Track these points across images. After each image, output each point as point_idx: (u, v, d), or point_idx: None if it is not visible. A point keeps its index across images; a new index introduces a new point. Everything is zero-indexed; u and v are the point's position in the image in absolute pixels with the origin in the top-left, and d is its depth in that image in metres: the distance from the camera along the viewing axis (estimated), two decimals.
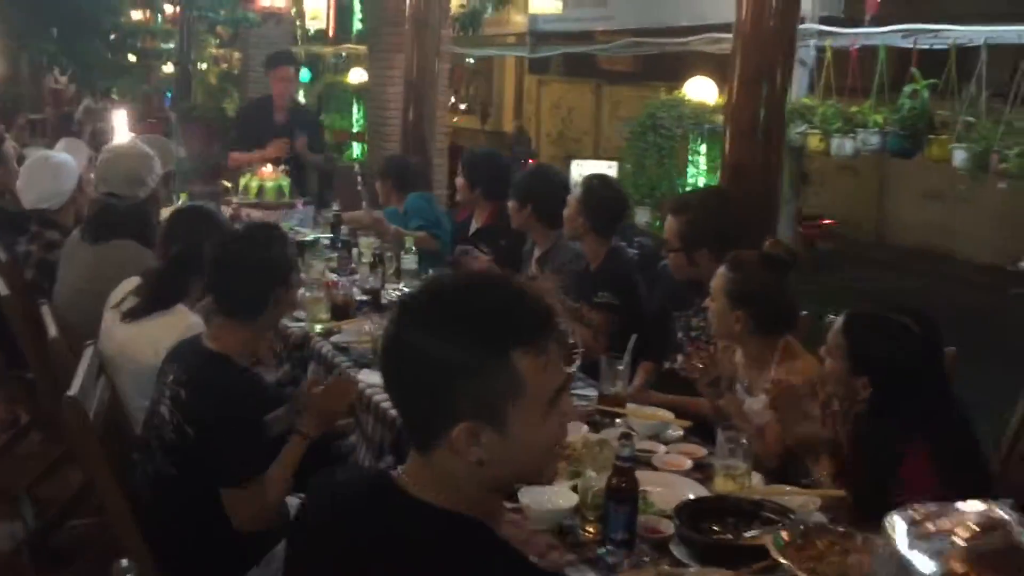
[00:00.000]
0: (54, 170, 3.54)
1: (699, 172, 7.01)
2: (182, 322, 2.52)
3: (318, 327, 3.30)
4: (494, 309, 1.25)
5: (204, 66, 12.81)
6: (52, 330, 2.51)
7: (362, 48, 13.34)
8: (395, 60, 7.26)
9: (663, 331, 3.12)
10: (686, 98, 6.88)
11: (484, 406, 1.22)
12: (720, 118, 6.72)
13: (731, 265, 2.59)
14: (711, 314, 2.63)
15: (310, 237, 4.57)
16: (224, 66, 15.78)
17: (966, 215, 8.87)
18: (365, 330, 3.11)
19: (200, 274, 2.70)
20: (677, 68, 9.69)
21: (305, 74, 13.18)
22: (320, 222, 5.14)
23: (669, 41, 7.90)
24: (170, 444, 2.11)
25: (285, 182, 5.23)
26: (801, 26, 6.49)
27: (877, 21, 6.31)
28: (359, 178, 7.50)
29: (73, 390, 2.05)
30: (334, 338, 3.16)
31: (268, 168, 5.23)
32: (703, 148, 6.97)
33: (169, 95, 11.52)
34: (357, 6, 13.99)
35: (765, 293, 2.54)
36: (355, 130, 12.01)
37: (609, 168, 8.84)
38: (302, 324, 3.35)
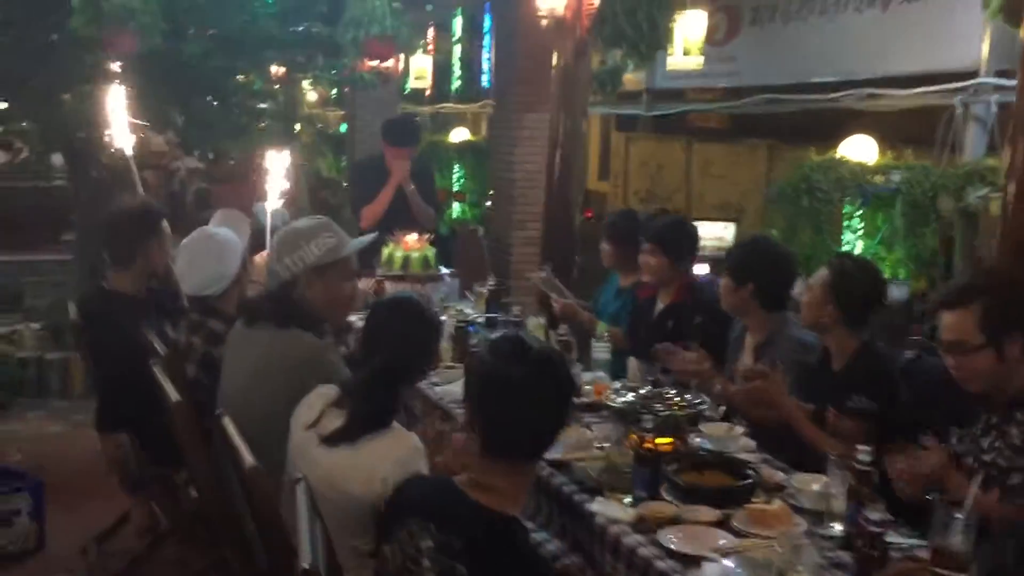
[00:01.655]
0: (218, 251, 3.16)
1: (856, 238, 6.42)
2: (402, 445, 2.07)
3: None
4: None
5: (298, 126, 12.68)
6: (247, 456, 2.06)
7: (463, 107, 13.15)
8: (524, 119, 6.89)
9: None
10: (843, 159, 6.32)
11: None
12: (879, 179, 6.21)
13: None
14: None
15: (475, 317, 4.11)
16: (319, 126, 15.74)
17: None
18: (588, 438, 2.62)
19: (413, 381, 2.27)
20: (779, 126, 9.19)
21: None
22: (471, 296, 4.72)
23: (813, 98, 7.37)
24: None
25: (431, 252, 4.83)
26: (975, 80, 5.98)
27: None
28: (483, 243, 7.11)
29: (304, 558, 1.57)
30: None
31: (413, 237, 4.83)
32: (859, 213, 6.38)
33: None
34: (456, 65, 13.81)
35: None
36: (455, 189, 11.72)
37: (726, 229, 8.31)
38: None
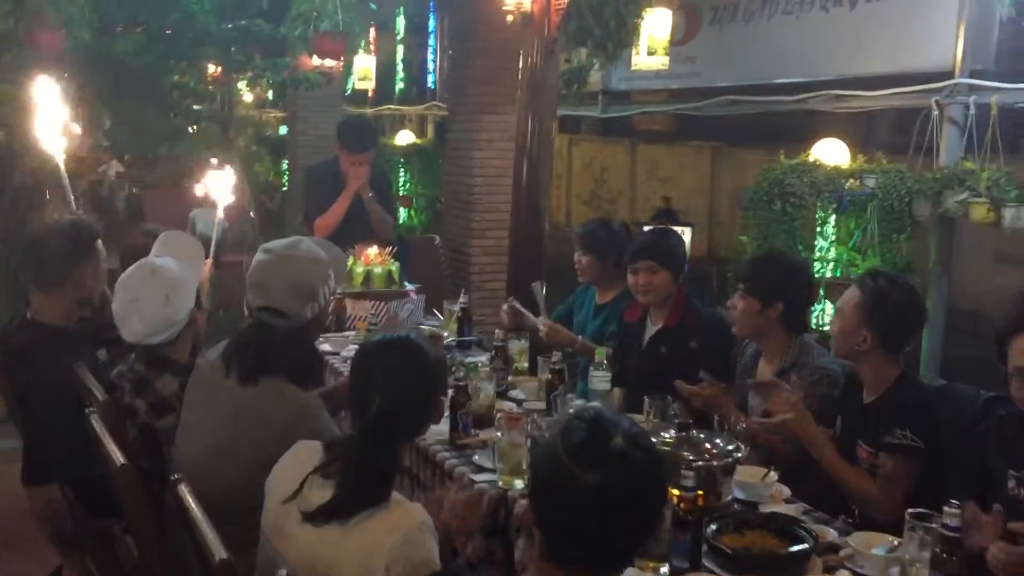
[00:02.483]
0: (166, 291, 2.61)
1: (828, 245, 6.20)
2: (406, 522, 1.69)
3: (519, 484, 2.45)
4: None
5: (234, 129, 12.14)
6: (215, 546, 1.65)
7: (408, 109, 12.73)
8: (482, 121, 6.54)
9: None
10: (817, 162, 6.09)
11: None
12: (852, 183, 5.99)
13: None
14: None
15: (448, 340, 3.73)
16: (253, 129, 15.14)
17: None
18: None
19: (413, 436, 1.90)
20: (724, 128, 8.97)
21: None
22: (438, 314, 4.34)
23: (777, 100, 7.15)
24: None
25: (394, 266, 4.45)
26: (951, 81, 5.79)
27: None
28: (440, 253, 6.72)
29: None
30: None
31: (373, 251, 4.44)
32: (832, 219, 6.16)
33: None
34: (400, 66, 13.40)
35: None
36: (400, 193, 11.32)
37: (683, 233, 8.04)
38: (492, 479, 2.51)
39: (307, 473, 1.76)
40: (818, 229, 6.22)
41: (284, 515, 1.76)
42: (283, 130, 14.37)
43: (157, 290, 2.61)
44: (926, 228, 5.81)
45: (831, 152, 6.26)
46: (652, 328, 3.44)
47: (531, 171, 5.03)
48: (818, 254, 6.18)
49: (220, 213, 4.05)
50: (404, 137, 11.84)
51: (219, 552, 1.59)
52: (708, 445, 2.22)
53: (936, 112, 5.77)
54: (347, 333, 4.15)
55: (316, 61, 9.48)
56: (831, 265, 6.16)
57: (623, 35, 5.73)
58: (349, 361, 3.65)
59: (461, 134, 6.75)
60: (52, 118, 3.59)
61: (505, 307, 3.79)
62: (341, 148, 4.90)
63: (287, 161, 12.54)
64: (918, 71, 6.05)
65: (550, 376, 3.01)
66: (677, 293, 3.39)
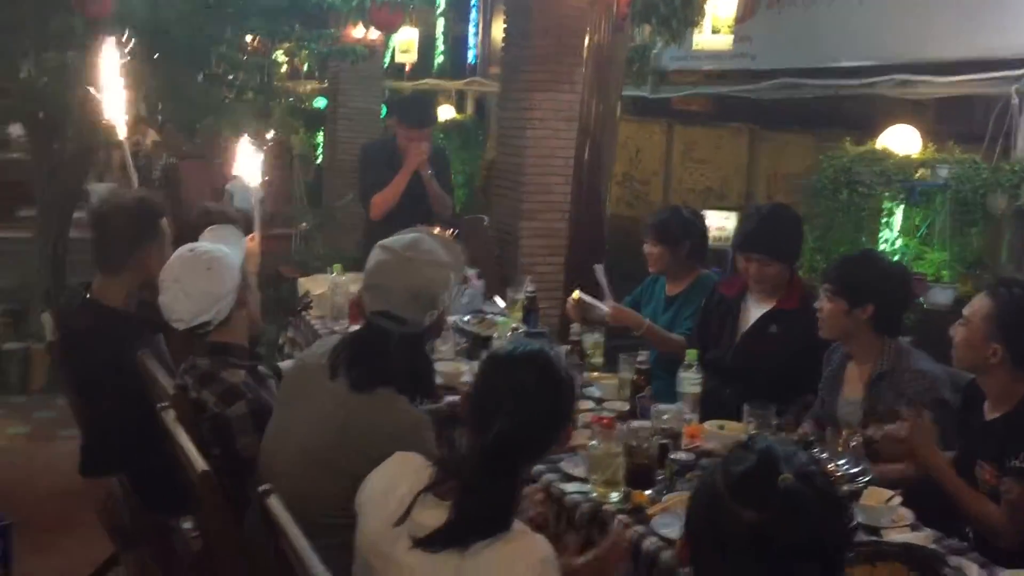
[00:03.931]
0: (207, 264, 2.43)
1: (894, 237, 5.96)
2: (527, 555, 1.53)
3: (615, 496, 2.28)
4: None
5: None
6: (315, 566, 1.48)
7: (448, 84, 12.51)
8: (534, 100, 6.33)
9: None
10: (887, 151, 5.84)
11: None
12: (922, 173, 5.75)
13: None
14: None
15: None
16: (291, 99, 14.98)
17: None
18: None
19: (535, 461, 1.74)
20: (767, 111, 8.71)
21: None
22: (499, 301, 4.17)
23: (840, 83, 6.89)
24: None
25: None
26: None
27: None
28: (489, 234, 6.54)
29: None
30: (662, 529, 2.12)
31: (435, 232, 4.25)
32: (900, 210, 5.91)
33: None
34: (440, 40, 13.16)
35: None
36: None
37: (727, 219, 7.79)
38: (584, 490, 2.34)
39: (416, 492, 1.60)
40: (883, 220, 5.98)
41: (391, 539, 1.60)
42: (318, 102, 14.22)
43: (198, 265, 2.45)
44: (1000, 222, 5.57)
45: (900, 140, 6.01)
46: (760, 306, 3.26)
47: (594, 153, 4.85)
48: (883, 246, 5.95)
49: (257, 187, 3.91)
50: (443, 112, 11.64)
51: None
52: (832, 467, 2.04)
53: (1016, 101, 5.51)
54: None
55: (359, 33, 9.32)
56: (896, 258, 5.93)
57: (688, 13, 5.53)
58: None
59: (513, 112, 6.54)
60: (113, 85, 3.43)
61: (571, 299, 3.60)
62: (399, 123, 4.72)
63: (323, 134, 12.39)
64: (995, 57, 5.79)
65: (635, 376, 2.83)
66: (793, 276, 3.24)
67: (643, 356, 2.89)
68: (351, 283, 4.06)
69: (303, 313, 4.10)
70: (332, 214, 8.01)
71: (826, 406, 2.92)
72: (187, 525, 3.19)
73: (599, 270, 3.72)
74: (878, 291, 2.74)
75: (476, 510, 1.54)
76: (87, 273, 3.34)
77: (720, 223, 7.53)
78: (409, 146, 4.60)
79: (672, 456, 2.28)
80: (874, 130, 6.47)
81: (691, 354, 2.86)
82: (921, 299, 5.54)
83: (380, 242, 2.27)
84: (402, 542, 1.58)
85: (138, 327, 2.87)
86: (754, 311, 3.27)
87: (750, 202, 10.14)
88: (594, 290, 3.72)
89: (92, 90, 3.59)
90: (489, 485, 1.56)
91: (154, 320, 2.95)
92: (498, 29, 11.90)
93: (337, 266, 4.04)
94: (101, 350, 2.75)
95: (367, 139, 9.91)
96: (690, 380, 2.81)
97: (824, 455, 2.10)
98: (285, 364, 3.44)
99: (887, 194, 5.83)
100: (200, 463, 1.93)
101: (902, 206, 5.89)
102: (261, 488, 1.79)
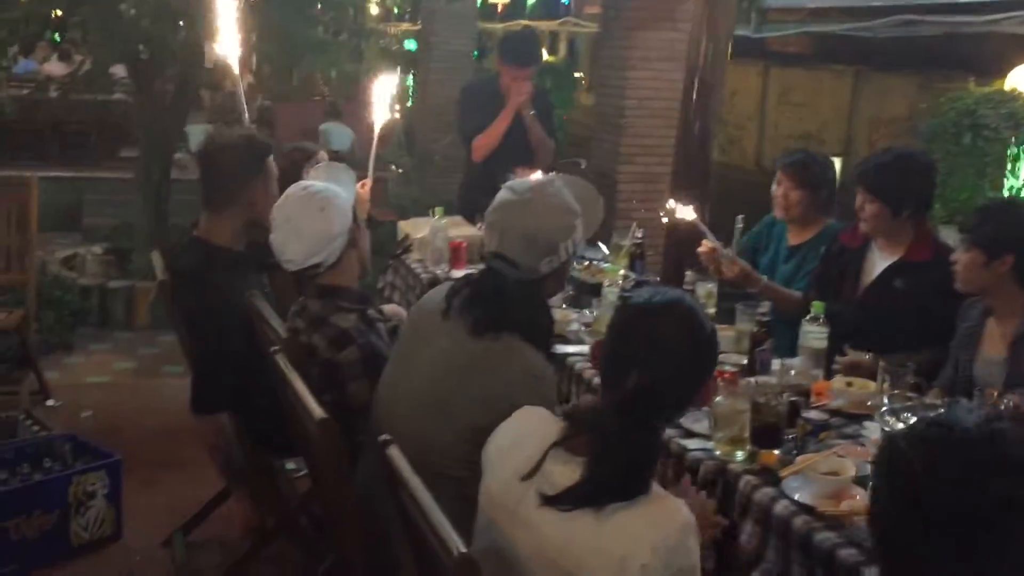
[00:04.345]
0: (321, 204, 2.35)
1: (1020, 185, 5.61)
2: (668, 521, 1.43)
3: (740, 455, 2.16)
4: None
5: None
6: (448, 533, 1.41)
7: (540, 24, 12.27)
8: (636, 39, 6.12)
9: None
10: (1015, 92, 5.49)
11: None
12: None
13: None
14: None
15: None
16: (382, 42, 14.90)
17: None
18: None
19: (674, 419, 1.63)
20: (867, 52, 8.22)
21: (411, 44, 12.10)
22: (602, 247, 4.04)
23: (960, 20, 6.47)
24: None
25: None
26: None
27: None
28: (588, 178, 6.38)
29: None
30: (795, 493, 1.99)
31: (537, 175, 4.13)
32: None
33: None
34: None
35: None
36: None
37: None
38: (707, 447, 2.22)
39: (548, 445, 1.51)
40: (1009, 167, 5.64)
41: (518, 495, 1.52)
42: (409, 44, 14.11)
43: (311, 204, 2.36)
44: None
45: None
46: (886, 257, 3.07)
47: (703, 95, 4.64)
48: (1007, 193, 5.62)
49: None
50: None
51: (453, 542, 1.35)
52: None
53: None
54: None
55: None
56: None
57: None
58: None
59: (613, 51, 6.35)
60: (226, 24, 3.39)
61: (705, 246, 3.38)
62: (502, 63, 4.58)
63: (413, 77, 12.29)
64: None
65: (756, 328, 2.68)
66: (919, 228, 3.03)
67: (764, 307, 2.74)
68: (451, 227, 3.99)
69: (403, 257, 4.05)
70: (429, 157, 7.93)
71: (961, 366, 2.73)
72: (290, 466, 3.21)
73: (738, 222, 3.49)
74: (1019, 241, 2.53)
75: (612, 468, 1.44)
76: (188, 213, 3.34)
77: None
78: (511, 86, 4.46)
79: (805, 415, 2.14)
80: (991, 71, 6.07)
81: (817, 306, 2.69)
82: None
83: (506, 183, 2.16)
84: (531, 499, 1.49)
85: (245, 266, 2.84)
86: (879, 264, 3.07)
87: (851, 148, 9.74)
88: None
89: (200, 32, 3.56)
90: (626, 441, 1.46)
91: (262, 260, 2.92)
92: None
93: (439, 209, 3.96)
94: (209, 289, 2.73)
95: (460, 81, 9.80)
96: (815, 334, 2.65)
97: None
98: (387, 307, 3.40)
99: (1014, 139, 5.50)
100: (318, 410, 1.88)
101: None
102: (382, 438, 1.72)
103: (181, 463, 3.64)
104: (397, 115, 9.54)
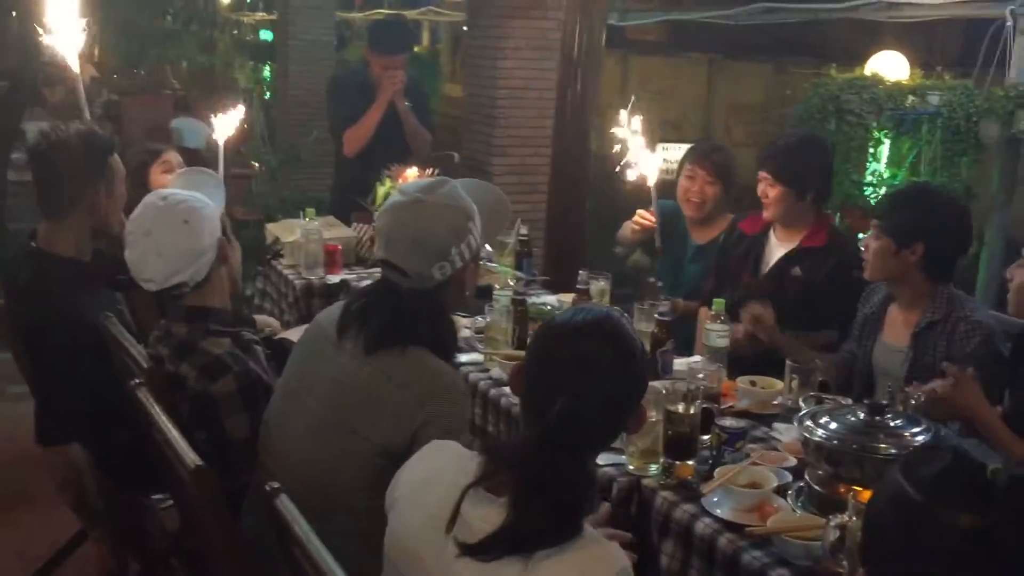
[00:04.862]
0: (184, 216, 2.07)
1: (881, 169, 5.75)
2: (607, 566, 1.27)
3: (654, 469, 2.03)
4: None
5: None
6: None
7: (404, 13, 11.98)
8: (506, 28, 5.96)
9: None
10: (877, 77, 5.60)
11: None
12: (912, 101, 5.53)
13: None
14: None
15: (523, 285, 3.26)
16: (235, 32, 14.30)
17: None
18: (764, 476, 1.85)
19: (601, 449, 1.48)
20: (725, 40, 8.38)
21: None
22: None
23: (823, 8, 6.60)
24: None
25: None
26: None
27: None
28: (461, 172, 6.20)
29: None
30: (716, 509, 1.88)
31: (413, 172, 3.93)
32: (887, 140, 5.70)
33: None
34: None
35: None
36: None
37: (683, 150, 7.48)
38: (619, 462, 2.08)
39: (464, 485, 1.33)
40: (871, 150, 5.77)
41: (432, 542, 1.33)
42: (264, 34, 13.58)
43: (173, 216, 2.09)
44: (990, 150, 5.39)
45: (889, 66, 5.77)
46: (783, 245, 3.01)
47: (581, 85, 4.53)
48: (869, 178, 5.75)
49: (207, 126, 3.60)
50: None
51: None
52: (907, 435, 1.81)
53: (1010, 23, 5.28)
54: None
55: None
56: (884, 190, 5.74)
57: None
58: None
59: (483, 41, 6.17)
60: (63, 17, 3.06)
61: (638, 216, 3.21)
62: (372, 51, 4.35)
63: (270, 68, 11.82)
64: None
65: (656, 330, 2.57)
66: (818, 213, 2.99)
67: (664, 308, 2.63)
68: (324, 228, 3.75)
69: (273, 262, 3.78)
70: (295, 153, 7.58)
71: (861, 353, 2.70)
72: (158, 497, 2.92)
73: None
74: (929, 230, 2.49)
75: (539, 509, 1.27)
76: (30, 219, 2.99)
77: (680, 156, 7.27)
78: (382, 75, 4.23)
79: (719, 422, 2.03)
80: (840, 57, 6.20)
81: (718, 303, 2.60)
82: None
83: (398, 187, 1.97)
84: (447, 548, 1.31)
85: (94, 280, 2.54)
86: (776, 251, 3.02)
87: (711, 133, 9.91)
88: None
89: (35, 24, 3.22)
90: (553, 477, 1.29)
91: (111, 274, 2.63)
92: None
93: (310, 211, 3.70)
94: (49, 304, 2.42)
95: (320, 72, 9.43)
96: (718, 332, 2.55)
97: (896, 422, 1.85)
98: (259, 318, 3.14)
99: (874, 124, 5.62)
100: (190, 455, 1.64)
101: (890, 136, 5.69)
102: (269, 486, 1.50)
103: (30, 500, 3.28)
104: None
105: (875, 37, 6.49)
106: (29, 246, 2.60)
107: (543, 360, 1.43)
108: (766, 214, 3.00)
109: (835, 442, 1.80)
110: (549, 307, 3.10)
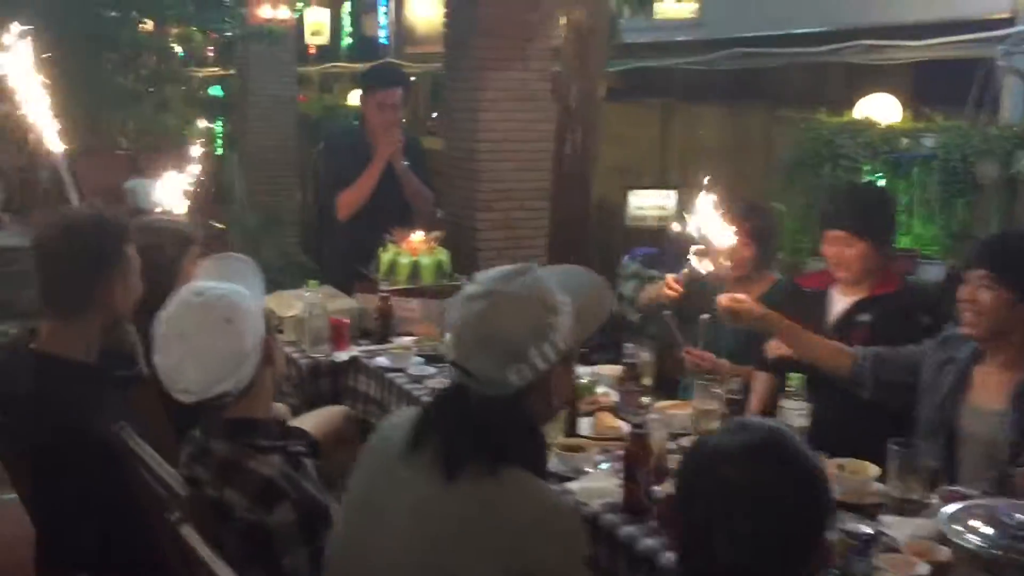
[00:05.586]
0: (226, 313, 1.79)
1: None
2: None
3: None
4: None
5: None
6: None
7: (359, 67, 11.79)
8: (485, 79, 5.77)
9: None
10: (870, 121, 5.51)
11: None
12: (906, 144, 5.44)
13: None
14: None
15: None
16: (183, 88, 13.95)
17: None
18: None
19: None
20: (681, 84, 8.35)
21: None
22: None
23: (804, 51, 6.53)
24: None
25: (444, 255, 3.72)
26: (1013, 29, 5.28)
27: None
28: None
29: None
30: None
31: (419, 236, 3.70)
32: (882, 183, 5.61)
33: None
34: (347, 20, 12.40)
35: None
36: None
37: (667, 198, 7.37)
38: None
39: None
40: None
41: None
42: (214, 90, 13.26)
43: (213, 315, 1.80)
44: (987, 192, 5.32)
45: (878, 110, 5.70)
46: (846, 297, 2.83)
47: (582, 139, 4.34)
48: None
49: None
50: (356, 97, 10.92)
51: None
52: None
53: (1001, 63, 5.24)
54: (403, 340, 3.40)
55: (267, 13, 8.57)
56: None
57: None
58: (423, 380, 2.99)
59: (463, 93, 5.96)
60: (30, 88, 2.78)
61: (679, 274, 2.94)
62: (368, 91, 4.15)
63: (221, 124, 11.50)
64: (971, 18, 5.53)
65: (724, 408, 2.33)
66: (886, 264, 2.83)
67: (736, 385, 2.40)
68: (328, 301, 3.48)
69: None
70: (276, 216, 7.24)
71: (944, 413, 2.46)
72: None
73: (669, 318, 3.04)
74: None
75: None
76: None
77: (659, 201, 7.12)
78: (379, 123, 4.00)
79: (844, 527, 1.79)
80: (793, 100, 6.13)
81: (794, 379, 2.36)
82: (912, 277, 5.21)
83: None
84: None
85: (102, 384, 2.23)
86: (839, 302, 2.85)
87: (666, 178, 9.82)
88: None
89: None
90: None
91: (120, 375, 2.33)
92: (412, 5, 11.26)
93: (312, 283, 3.43)
94: (56, 418, 2.09)
95: (282, 128, 9.17)
96: (797, 412, 2.32)
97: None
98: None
99: (867, 168, 5.53)
100: None
101: (884, 179, 5.60)
102: None
103: None
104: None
105: (824, 77, 6.44)
106: (26, 350, 2.28)
107: (692, 498, 1.19)
108: (844, 274, 2.80)
109: (996, 551, 1.58)
110: (585, 380, 2.86)
